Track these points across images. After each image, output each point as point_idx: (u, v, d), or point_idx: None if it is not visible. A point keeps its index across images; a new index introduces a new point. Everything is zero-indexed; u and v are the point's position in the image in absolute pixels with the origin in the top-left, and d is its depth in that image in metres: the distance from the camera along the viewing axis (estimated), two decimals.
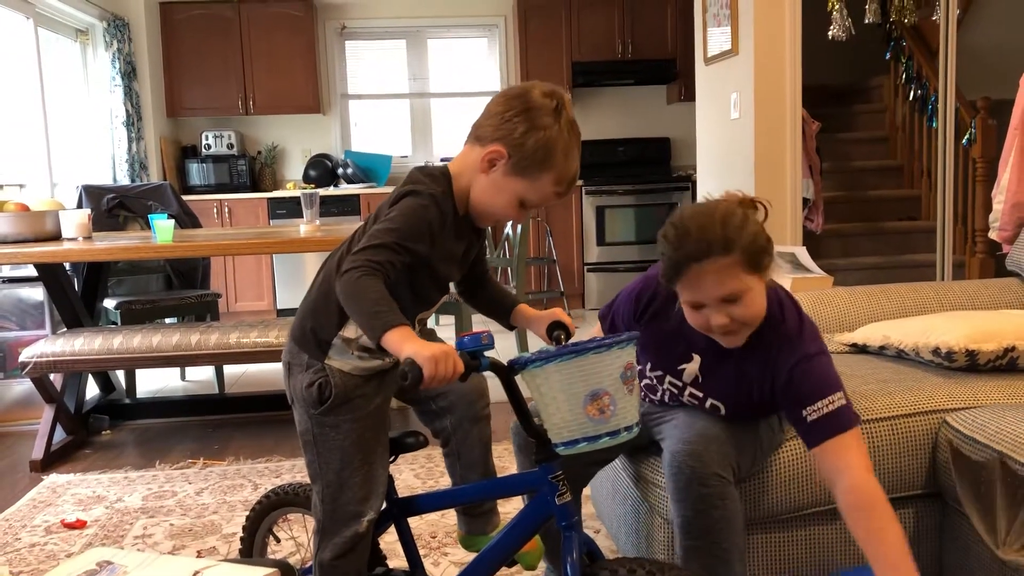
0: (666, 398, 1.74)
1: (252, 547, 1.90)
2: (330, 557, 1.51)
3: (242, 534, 1.91)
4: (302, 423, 1.54)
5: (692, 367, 1.66)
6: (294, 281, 6.43)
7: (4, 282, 3.84)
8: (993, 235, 3.40)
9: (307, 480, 1.60)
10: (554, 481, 1.41)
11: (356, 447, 1.49)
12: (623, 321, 1.73)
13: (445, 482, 2.86)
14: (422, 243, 1.39)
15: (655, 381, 1.75)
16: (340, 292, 1.34)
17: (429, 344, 1.24)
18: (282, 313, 6.34)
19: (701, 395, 1.67)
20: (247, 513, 1.92)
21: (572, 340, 1.53)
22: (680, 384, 1.69)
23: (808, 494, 1.78)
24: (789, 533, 1.82)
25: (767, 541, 1.81)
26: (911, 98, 5.81)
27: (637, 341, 1.36)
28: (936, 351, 2.09)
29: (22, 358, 3.26)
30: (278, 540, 1.97)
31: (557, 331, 1.57)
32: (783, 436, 1.77)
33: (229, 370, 4.59)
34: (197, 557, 2.27)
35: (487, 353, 1.34)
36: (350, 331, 1.47)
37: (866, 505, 1.40)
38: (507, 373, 1.37)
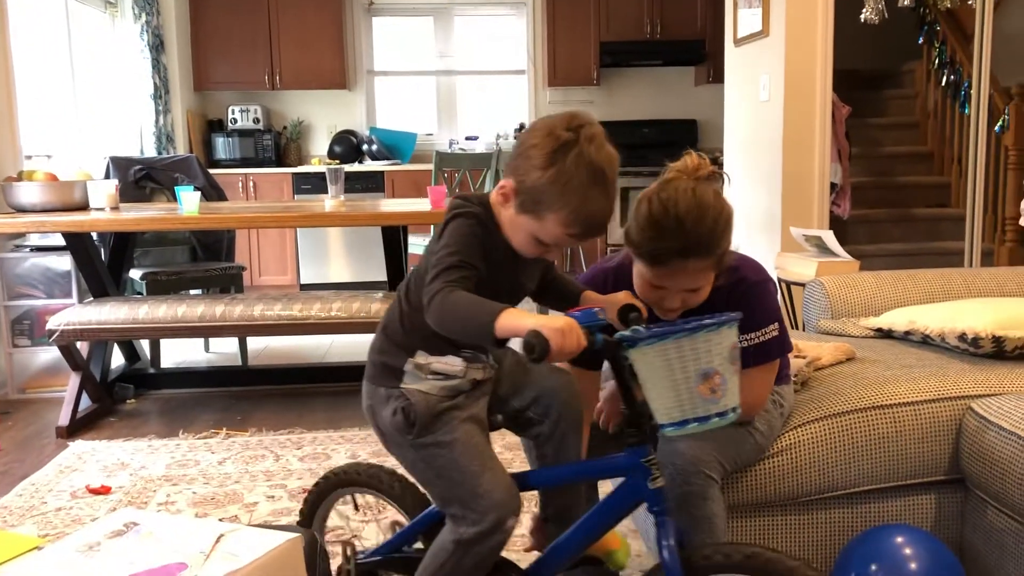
0: None
1: (311, 525, 1.83)
2: (471, 565, 1.44)
3: (302, 507, 1.84)
4: (407, 458, 1.50)
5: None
6: (318, 256, 6.46)
7: (32, 251, 3.88)
8: None
9: (369, 459, 1.56)
10: (647, 465, 1.37)
11: (468, 454, 1.44)
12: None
13: None
14: (479, 259, 1.37)
15: None
16: (434, 322, 1.33)
17: (553, 316, 1.22)
18: (305, 288, 6.38)
19: None
20: (310, 487, 1.83)
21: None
22: None
23: (829, 477, 1.77)
24: (809, 516, 1.82)
25: (787, 523, 1.81)
26: (943, 84, 5.72)
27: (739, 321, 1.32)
28: (962, 337, 2.07)
29: (49, 326, 3.31)
30: (357, 508, 1.91)
31: (633, 314, 1.48)
32: (780, 422, 1.76)
33: (252, 343, 4.63)
34: None
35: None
36: (420, 357, 1.47)
37: None
38: (618, 350, 1.32)
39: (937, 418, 1.82)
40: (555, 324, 1.20)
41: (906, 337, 2.30)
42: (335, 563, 1.72)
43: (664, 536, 1.34)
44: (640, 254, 1.52)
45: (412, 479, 1.65)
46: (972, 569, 1.83)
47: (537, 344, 1.18)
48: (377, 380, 1.52)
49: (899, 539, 1.71)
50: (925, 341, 2.23)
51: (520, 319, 1.23)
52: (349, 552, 1.66)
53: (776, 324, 1.62)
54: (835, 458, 1.77)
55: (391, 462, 1.62)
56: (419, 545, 1.66)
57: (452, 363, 1.47)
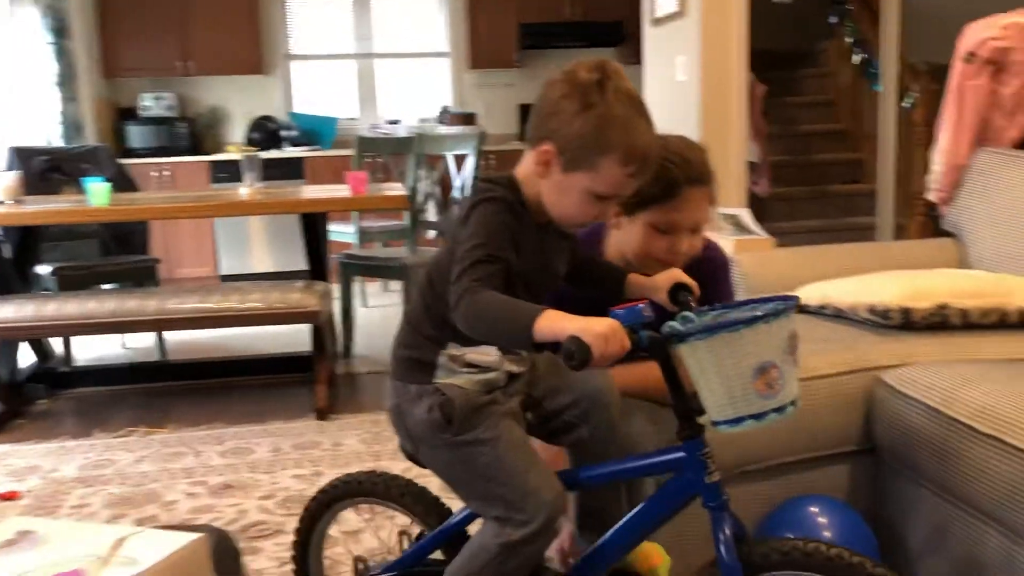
0: None
1: (307, 550, 1.68)
2: (513, 568, 1.34)
3: (294, 537, 1.67)
4: (441, 460, 1.39)
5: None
6: (237, 246, 6.31)
7: None
8: (931, 196, 3.45)
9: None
10: (703, 458, 1.30)
11: (512, 451, 1.34)
12: None
13: (392, 447, 2.85)
14: (509, 250, 1.28)
15: None
16: (464, 326, 1.24)
17: (594, 319, 1.13)
18: (226, 279, 6.23)
19: None
20: (303, 509, 1.66)
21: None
22: None
23: (746, 450, 1.80)
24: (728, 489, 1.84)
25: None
26: (855, 62, 5.86)
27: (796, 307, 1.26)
28: (872, 309, 2.12)
29: None
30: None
31: (683, 294, 1.42)
32: None
33: (171, 337, 4.49)
34: (136, 526, 2.23)
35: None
36: (453, 349, 1.37)
37: None
38: (666, 347, 1.24)
39: (849, 390, 1.86)
40: (597, 328, 1.12)
41: (820, 312, 2.34)
42: None
43: (721, 531, 1.27)
44: (648, 197, 1.55)
45: (423, 486, 1.57)
46: (885, 535, 1.88)
47: (577, 351, 1.11)
48: (406, 377, 1.41)
49: (814, 509, 1.75)
50: (838, 315, 2.28)
51: (560, 322, 1.15)
52: (361, 567, 1.56)
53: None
54: (751, 431, 1.78)
55: (393, 468, 1.53)
56: (439, 556, 1.54)
57: (487, 352, 1.38)
